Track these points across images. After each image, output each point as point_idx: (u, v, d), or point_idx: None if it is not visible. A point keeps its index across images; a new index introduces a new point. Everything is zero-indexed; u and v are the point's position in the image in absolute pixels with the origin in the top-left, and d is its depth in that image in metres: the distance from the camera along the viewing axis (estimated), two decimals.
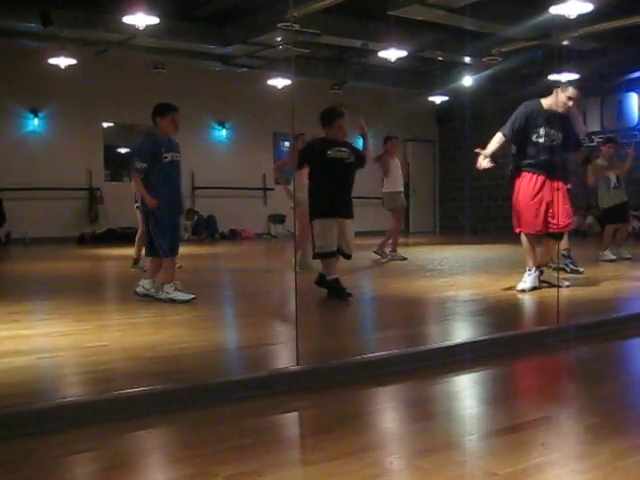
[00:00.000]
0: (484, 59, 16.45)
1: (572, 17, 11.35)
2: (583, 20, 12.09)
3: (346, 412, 3.27)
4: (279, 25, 13.22)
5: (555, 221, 6.96)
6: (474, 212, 20.33)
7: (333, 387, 3.65)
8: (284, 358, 4.34)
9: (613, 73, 17.72)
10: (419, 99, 19.29)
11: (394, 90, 18.86)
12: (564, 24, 12.44)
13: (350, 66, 18.00)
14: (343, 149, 6.69)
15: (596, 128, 18.68)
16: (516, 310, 6.04)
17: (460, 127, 21.01)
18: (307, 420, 3.30)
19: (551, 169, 6.98)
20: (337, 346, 4.62)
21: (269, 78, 16.74)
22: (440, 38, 15.38)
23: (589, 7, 11.33)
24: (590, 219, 18.25)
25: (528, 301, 6.49)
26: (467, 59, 17.18)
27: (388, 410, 3.49)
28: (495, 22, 14.08)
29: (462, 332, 5.37)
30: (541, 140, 7.03)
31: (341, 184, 6.70)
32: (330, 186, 6.62)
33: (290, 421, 3.34)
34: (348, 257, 6.77)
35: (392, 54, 14.55)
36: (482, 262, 10.89)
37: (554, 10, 11.48)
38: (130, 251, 11.39)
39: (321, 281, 6.81)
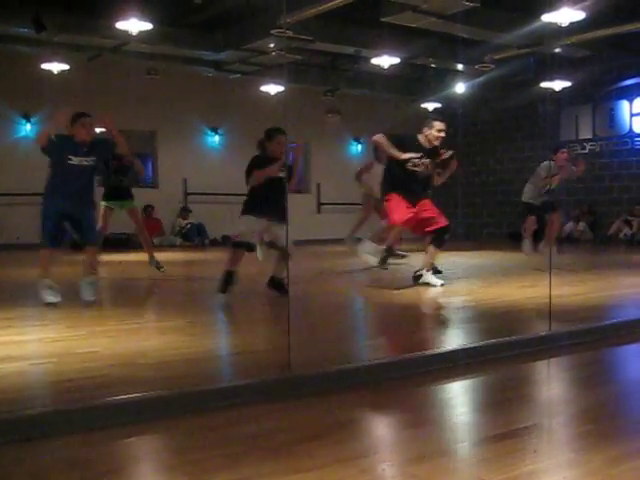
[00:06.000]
0: (477, 66, 16.50)
1: (564, 25, 11.41)
2: (575, 28, 12.15)
3: (338, 419, 3.27)
4: (272, 31, 13.24)
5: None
6: (466, 218, 20.36)
7: (325, 394, 3.64)
8: (276, 365, 4.33)
9: (605, 80, 17.80)
10: (412, 106, 19.33)
11: (387, 97, 18.89)
12: (556, 32, 12.49)
13: (343, 72, 18.00)
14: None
15: (588, 135, 18.76)
16: (509, 316, 6.04)
17: (453, 134, 21.02)
18: (299, 427, 3.29)
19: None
20: (329, 353, 4.61)
21: (262, 84, 16.74)
22: (433, 45, 15.41)
23: (581, 15, 11.39)
24: (582, 225, 18.31)
25: (521, 308, 6.50)
26: (460, 66, 17.21)
27: (380, 417, 3.48)
28: (487, 29, 14.12)
29: (455, 339, 5.37)
30: None
31: None
32: None
33: (282, 428, 3.33)
34: None
35: (385, 61, 14.59)
36: (475, 268, 10.90)
37: (546, 18, 11.55)
38: (122, 257, 11.38)
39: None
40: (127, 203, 9.55)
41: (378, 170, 10.47)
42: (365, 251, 8.43)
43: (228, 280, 7.02)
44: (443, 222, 7.96)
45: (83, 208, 6.76)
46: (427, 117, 8.28)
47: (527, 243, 10.58)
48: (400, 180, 7.92)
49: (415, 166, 7.87)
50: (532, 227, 10.63)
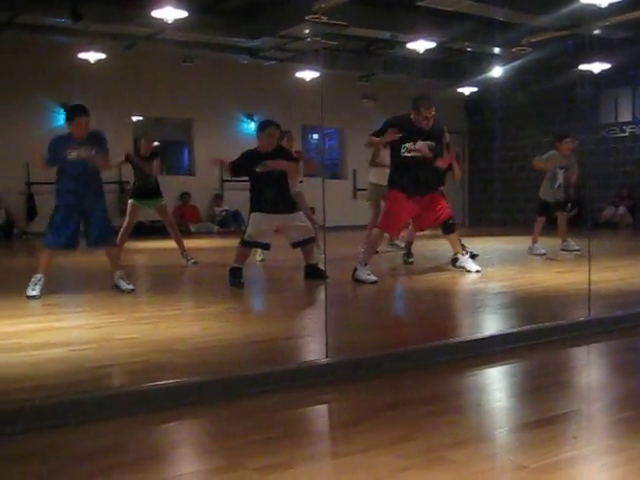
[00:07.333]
0: (513, 49, 16.30)
1: (603, 6, 11.22)
2: (614, 9, 11.95)
3: (375, 405, 3.27)
4: (307, 17, 13.19)
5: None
6: (503, 204, 20.19)
7: (362, 380, 3.64)
8: (313, 351, 4.35)
9: None
10: (448, 90, 19.17)
11: (422, 81, 18.74)
12: (595, 13, 12.29)
13: (378, 58, 17.92)
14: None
15: (628, 118, 18.47)
16: (547, 302, 5.99)
17: (489, 118, 20.86)
18: (336, 413, 3.30)
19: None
20: (366, 339, 4.62)
21: (297, 70, 16.74)
22: (469, 29, 15.23)
23: None
24: (622, 210, 18.06)
25: (559, 293, 6.44)
26: (496, 50, 17.04)
27: (417, 403, 3.48)
28: (524, 12, 13.93)
29: (492, 324, 5.34)
30: None
31: None
32: None
33: (319, 413, 3.34)
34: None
35: (421, 45, 14.49)
36: (512, 254, 10.82)
37: None
38: (159, 244, 11.47)
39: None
40: (155, 201, 9.35)
41: (384, 156, 9.63)
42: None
43: (237, 276, 7.07)
44: (444, 216, 7.68)
45: (92, 204, 6.69)
46: (422, 96, 7.64)
47: (535, 247, 10.04)
48: (403, 169, 7.45)
49: (409, 152, 7.41)
50: (539, 229, 10.11)
